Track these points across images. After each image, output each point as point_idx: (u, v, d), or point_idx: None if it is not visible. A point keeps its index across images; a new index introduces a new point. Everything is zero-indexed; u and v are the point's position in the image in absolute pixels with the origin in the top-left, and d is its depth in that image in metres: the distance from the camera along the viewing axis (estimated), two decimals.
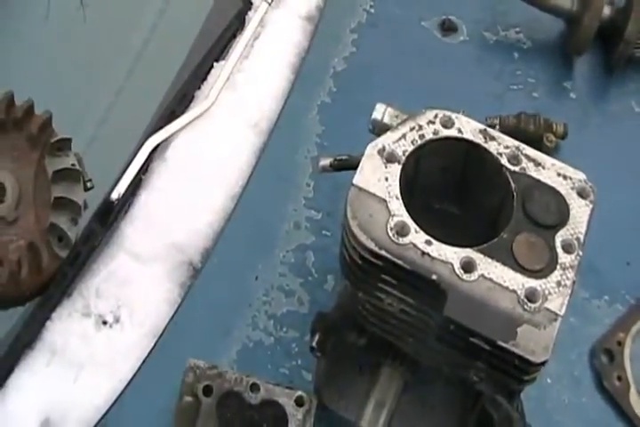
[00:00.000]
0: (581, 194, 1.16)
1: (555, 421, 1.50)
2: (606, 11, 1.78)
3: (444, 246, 1.11)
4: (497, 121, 1.67)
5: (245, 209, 1.55)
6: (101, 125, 1.59)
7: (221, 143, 1.59)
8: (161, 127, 1.54)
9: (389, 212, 1.13)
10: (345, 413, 1.35)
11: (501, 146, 1.19)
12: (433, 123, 1.20)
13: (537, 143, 1.23)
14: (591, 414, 1.52)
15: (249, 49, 1.66)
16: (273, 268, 1.56)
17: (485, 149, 1.19)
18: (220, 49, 1.66)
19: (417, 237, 1.11)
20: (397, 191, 1.14)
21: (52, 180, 1.45)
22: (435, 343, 1.17)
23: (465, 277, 1.10)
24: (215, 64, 1.64)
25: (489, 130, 1.20)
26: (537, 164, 1.18)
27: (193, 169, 1.55)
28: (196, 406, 1.30)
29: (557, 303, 1.09)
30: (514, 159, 1.18)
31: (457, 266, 1.10)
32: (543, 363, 1.08)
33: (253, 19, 1.68)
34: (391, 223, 1.12)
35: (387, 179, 1.15)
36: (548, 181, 1.17)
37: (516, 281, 1.10)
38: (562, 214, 1.15)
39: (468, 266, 1.10)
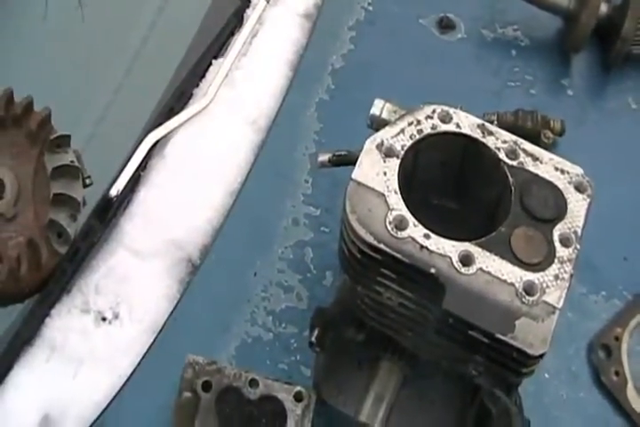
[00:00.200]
0: (579, 188, 1.17)
1: (553, 416, 1.51)
2: (603, 8, 1.79)
3: (442, 240, 1.11)
4: (494, 117, 1.67)
5: (244, 206, 1.56)
6: (100, 122, 1.60)
7: (220, 140, 1.59)
8: (160, 124, 1.54)
9: (388, 206, 1.13)
10: (344, 408, 1.35)
11: (499, 140, 1.19)
12: (431, 118, 1.20)
13: (534, 140, 1.23)
14: (589, 409, 1.52)
15: (247, 46, 1.66)
16: (271, 264, 1.56)
17: (483, 144, 1.19)
18: (218, 46, 1.67)
19: (415, 230, 1.12)
20: (396, 186, 1.14)
21: (51, 176, 1.45)
22: (433, 337, 1.17)
23: (463, 270, 1.10)
24: (213, 61, 1.64)
25: (487, 125, 1.20)
26: (535, 158, 1.19)
27: (191, 166, 1.56)
28: (195, 402, 1.30)
29: (555, 296, 1.10)
30: (512, 154, 1.18)
31: (455, 259, 1.10)
32: (541, 355, 1.08)
33: (251, 16, 1.68)
34: (390, 217, 1.12)
35: (385, 173, 1.15)
36: (546, 176, 1.17)
37: (514, 274, 1.10)
38: (559, 208, 1.15)
39: (467, 259, 1.10)
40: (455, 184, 1.29)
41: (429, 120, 1.20)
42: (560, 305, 1.09)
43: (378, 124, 1.26)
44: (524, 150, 1.19)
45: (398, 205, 1.13)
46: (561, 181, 1.17)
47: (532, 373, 1.14)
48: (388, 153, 1.17)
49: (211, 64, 1.64)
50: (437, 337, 1.17)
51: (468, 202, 1.29)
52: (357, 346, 1.34)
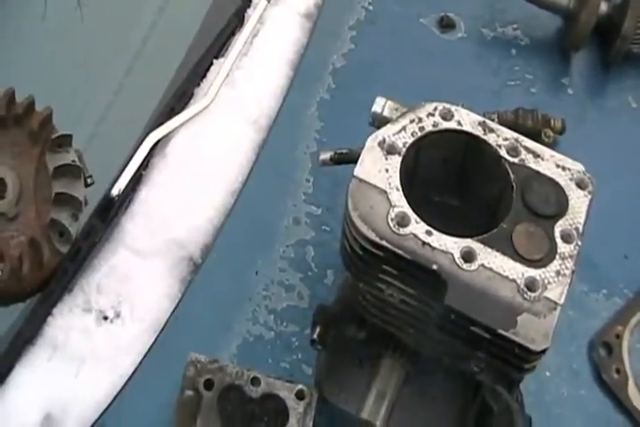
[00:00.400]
0: (580, 185, 1.17)
1: (554, 413, 1.51)
2: (603, 7, 1.79)
3: (444, 237, 1.12)
4: (495, 116, 1.67)
5: (245, 205, 1.56)
6: (102, 122, 1.60)
7: (221, 140, 1.59)
8: (161, 124, 1.54)
9: (390, 203, 1.13)
10: (345, 405, 1.35)
11: (500, 138, 1.20)
12: (432, 115, 1.20)
13: (535, 138, 1.23)
14: (590, 406, 1.53)
15: (248, 46, 1.66)
16: (273, 263, 1.56)
17: (485, 141, 1.19)
18: (219, 46, 1.67)
19: (417, 227, 1.12)
20: (398, 183, 1.15)
21: (52, 176, 1.46)
22: (435, 333, 1.17)
23: (465, 266, 1.10)
24: (214, 61, 1.65)
25: (488, 122, 1.21)
26: (536, 155, 1.19)
27: (193, 165, 1.56)
28: (197, 400, 1.30)
29: (557, 292, 1.10)
30: (513, 151, 1.19)
31: (457, 256, 1.11)
32: (543, 351, 1.09)
33: (252, 16, 1.68)
34: (392, 214, 1.13)
35: (387, 170, 1.16)
36: (547, 173, 1.18)
37: (516, 271, 1.11)
38: (561, 205, 1.15)
39: (469, 256, 1.11)
40: (457, 181, 1.29)
41: (431, 118, 1.20)
42: (562, 301, 1.10)
43: (379, 121, 1.26)
44: (526, 147, 1.19)
45: (400, 202, 1.13)
46: (562, 178, 1.17)
47: (533, 369, 1.14)
48: (390, 150, 1.17)
49: (212, 64, 1.65)
50: (439, 333, 1.17)
51: (469, 199, 1.29)
52: (359, 344, 1.34)
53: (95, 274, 1.44)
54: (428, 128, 1.20)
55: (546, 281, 1.10)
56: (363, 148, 1.18)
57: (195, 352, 1.33)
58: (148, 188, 1.52)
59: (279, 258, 1.57)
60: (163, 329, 1.43)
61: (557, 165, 1.18)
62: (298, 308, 1.53)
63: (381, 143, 1.18)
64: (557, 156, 1.20)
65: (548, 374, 1.53)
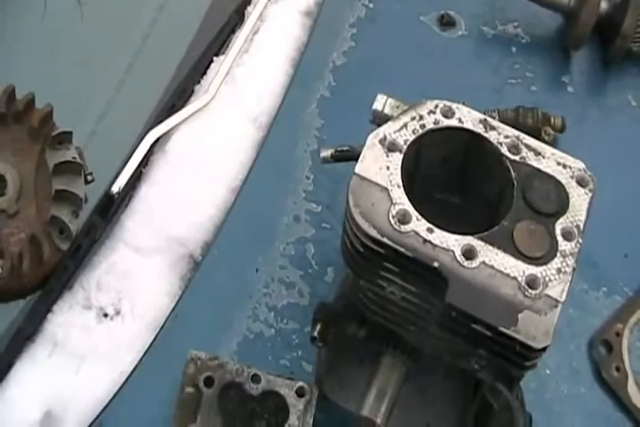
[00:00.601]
0: (581, 182, 1.17)
1: (554, 411, 1.51)
2: (603, 5, 1.79)
3: (445, 234, 1.12)
4: (495, 114, 1.67)
5: (245, 202, 1.56)
6: (102, 119, 1.60)
7: (221, 137, 1.60)
8: (161, 121, 1.55)
9: (391, 200, 1.13)
10: (346, 403, 1.35)
11: (501, 135, 1.20)
12: (434, 113, 1.20)
13: (535, 137, 1.24)
14: (590, 404, 1.53)
15: (248, 43, 1.67)
16: (273, 260, 1.56)
17: (486, 139, 1.19)
18: (219, 43, 1.68)
19: (419, 224, 1.12)
20: (399, 180, 1.14)
21: (52, 173, 1.46)
22: (436, 331, 1.17)
23: (466, 264, 1.10)
24: (215, 59, 1.65)
25: (489, 120, 1.21)
26: (537, 153, 1.19)
27: (193, 163, 1.56)
28: (197, 398, 1.30)
29: (558, 290, 1.10)
30: (514, 148, 1.19)
31: (458, 253, 1.11)
32: (544, 349, 1.09)
33: (253, 13, 1.69)
34: (393, 211, 1.13)
35: (388, 168, 1.16)
36: (548, 170, 1.17)
37: (517, 268, 1.10)
38: (562, 202, 1.15)
39: (470, 253, 1.11)
40: (458, 178, 1.29)
41: (432, 115, 1.20)
42: (563, 299, 1.10)
43: (380, 119, 1.26)
44: (527, 145, 1.19)
45: (401, 200, 1.13)
46: (563, 176, 1.17)
47: (534, 366, 1.14)
48: (391, 148, 1.17)
49: (212, 61, 1.65)
50: (440, 331, 1.17)
51: (470, 196, 1.29)
52: (359, 341, 1.34)
53: (95, 271, 1.44)
54: (430, 126, 1.19)
55: (547, 279, 1.10)
56: (363, 145, 1.18)
57: (195, 349, 1.33)
58: (148, 185, 1.52)
59: (279, 255, 1.57)
60: (163, 326, 1.44)
61: (558, 163, 1.18)
62: (298, 305, 1.53)
63: (382, 141, 1.18)
64: (558, 153, 1.20)
65: (547, 371, 1.53)
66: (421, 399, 1.37)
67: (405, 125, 1.19)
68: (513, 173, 1.17)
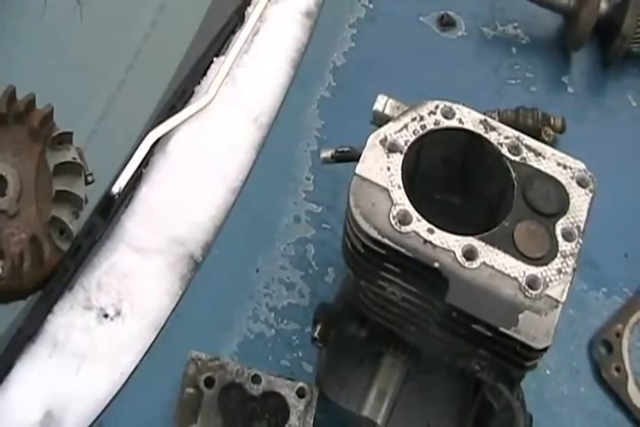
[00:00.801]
0: (581, 183, 1.17)
1: (554, 411, 1.51)
2: (603, 6, 1.79)
3: (445, 235, 1.12)
4: (495, 115, 1.67)
5: (246, 203, 1.56)
6: (102, 120, 1.60)
7: (221, 138, 1.60)
8: (161, 122, 1.55)
9: (392, 201, 1.14)
10: (346, 403, 1.35)
11: (502, 136, 1.20)
12: (434, 113, 1.20)
13: (535, 137, 1.24)
14: (590, 404, 1.53)
15: (248, 44, 1.67)
16: (273, 261, 1.56)
17: (486, 140, 1.19)
18: (219, 44, 1.68)
19: (419, 225, 1.12)
20: (399, 181, 1.15)
21: (53, 173, 1.46)
22: (437, 331, 1.17)
23: (467, 264, 1.10)
24: (215, 59, 1.65)
25: (489, 120, 1.21)
26: (537, 153, 1.19)
27: (193, 163, 1.56)
28: (197, 398, 1.30)
29: (558, 290, 1.10)
30: (514, 149, 1.19)
31: (459, 254, 1.11)
32: (545, 349, 1.09)
33: (253, 14, 1.69)
34: (393, 212, 1.13)
35: (389, 168, 1.16)
36: (549, 171, 1.18)
37: (518, 269, 1.11)
38: (562, 203, 1.16)
39: (470, 254, 1.11)
40: (458, 179, 1.29)
41: (432, 116, 1.20)
42: (563, 299, 1.10)
43: (380, 119, 1.26)
44: (527, 146, 1.19)
45: (402, 200, 1.13)
46: (563, 176, 1.18)
47: (534, 366, 1.14)
48: (392, 148, 1.17)
49: (212, 62, 1.65)
50: (440, 331, 1.17)
51: (471, 197, 1.29)
52: (360, 342, 1.34)
53: (95, 272, 1.44)
54: (430, 126, 1.20)
55: (547, 279, 1.11)
56: (364, 146, 1.18)
57: (195, 350, 1.33)
58: (148, 185, 1.52)
59: (280, 256, 1.57)
60: (163, 327, 1.44)
61: (558, 164, 1.19)
62: (298, 306, 1.53)
63: (383, 141, 1.18)
64: (558, 154, 1.20)
65: (548, 372, 1.53)
66: (422, 400, 1.37)
67: (406, 126, 1.19)
68: (513, 174, 1.17)
